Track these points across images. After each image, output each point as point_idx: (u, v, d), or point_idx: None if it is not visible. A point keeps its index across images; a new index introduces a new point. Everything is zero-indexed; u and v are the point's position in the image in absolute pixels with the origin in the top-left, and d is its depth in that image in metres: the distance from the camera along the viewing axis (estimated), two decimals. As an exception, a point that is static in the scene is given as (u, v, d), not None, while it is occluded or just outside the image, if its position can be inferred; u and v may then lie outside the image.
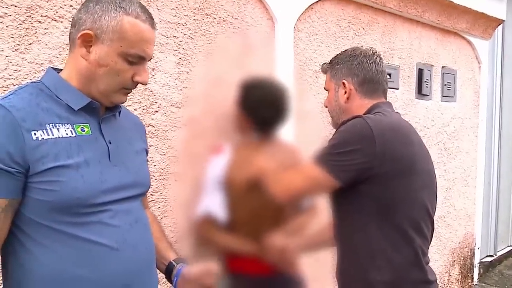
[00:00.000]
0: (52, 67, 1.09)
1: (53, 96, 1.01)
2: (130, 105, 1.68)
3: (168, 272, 1.22)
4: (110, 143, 1.05)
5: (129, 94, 1.09)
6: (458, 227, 3.71)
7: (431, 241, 1.44)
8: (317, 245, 1.80)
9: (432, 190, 1.42)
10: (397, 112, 1.51)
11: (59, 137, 0.97)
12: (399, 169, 1.29)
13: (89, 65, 1.01)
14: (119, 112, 1.13)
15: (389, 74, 2.87)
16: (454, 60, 3.51)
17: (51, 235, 0.96)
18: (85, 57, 1.00)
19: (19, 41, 1.45)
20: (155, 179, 1.76)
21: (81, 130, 1.01)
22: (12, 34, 1.44)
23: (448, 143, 3.49)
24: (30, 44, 1.47)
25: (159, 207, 1.77)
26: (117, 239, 1.01)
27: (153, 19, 1.05)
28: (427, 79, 3.19)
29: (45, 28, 1.50)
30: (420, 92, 3.14)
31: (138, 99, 1.71)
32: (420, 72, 3.14)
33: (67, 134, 0.98)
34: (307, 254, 1.82)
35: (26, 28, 1.47)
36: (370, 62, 1.48)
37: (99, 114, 1.06)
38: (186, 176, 1.85)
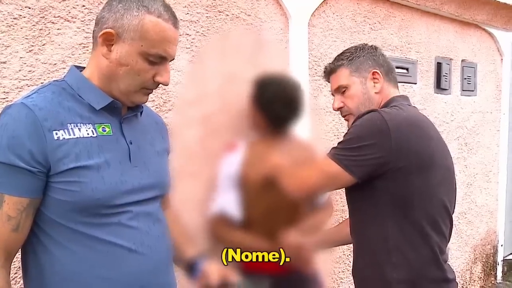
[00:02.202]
0: (75, 66, 1.09)
1: (75, 95, 1.01)
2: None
3: (188, 268, 1.21)
4: (131, 143, 1.05)
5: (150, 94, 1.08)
6: (479, 224, 3.63)
7: (449, 238, 1.40)
8: (333, 243, 1.78)
9: (450, 187, 1.38)
10: (414, 106, 1.48)
11: (80, 137, 0.97)
12: (416, 164, 1.26)
13: (110, 64, 1.00)
14: (141, 112, 1.12)
15: (407, 69, 2.84)
16: (474, 53, 3.42)
17: (71, 236, 0.97)
18: (106, 56, 1.00)
19: (33, 42, 1.46)
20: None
21: (102, 130, 1.01)
22: (26, 36, 1.45)
23: (469, 138, 3.42)
24: (43, 45, 1.48)
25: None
26: (135, 241, 1.01)
27: (176, 18, 1.04)
28: (446, 73, 3.12)
29: (58, 29, 1.51)
30: (439, 86, 3.08)
31: (152, 98, 1.71)
32: (439, 66, 3.07)
33: (88, 134, 0.98)
34: (323, 252, 1.80)
35: (40, 29, 1.48)
36: (384, 54, 1.49)
37: (120, 114, 1.05)
38: (201, 174, 1.84)
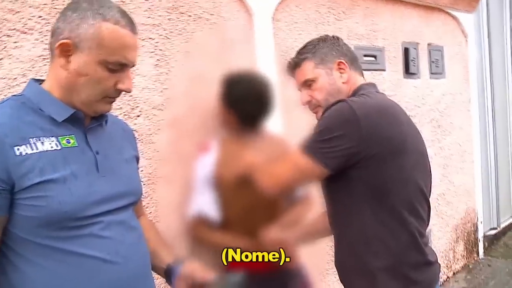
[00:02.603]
0: (34, 79, 1.06)
1: (35, 109, 0.99)
2: (111, 112, 1.65)
3: (167, 274, 1.20)
4: (97, 153, 1.03)
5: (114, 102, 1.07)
6: (458, 204, 3.70)
7: (428, 221, 1.42)
8: (314, 235, 1.79)
9: (425, 170, 1.39)
10: (382, 93, 1.49)
11: (43, 150, 0.94)
12: (388, 151, 1.27)
13: (69, 75, 0.98)
14: (106, 121, 1.10)
15: (375, 56, 2.86)
16: (439, 36, 3.48)
17: (41, 252, 0.94)
18: (65, 67, 0.98)
19: (-11, 58, 1.42)
20: (144, 184, 1.73)
21: (66, 142, 0.99)
22: (-19, 51, 1.41)
23: (441, 120, 3.47)
24: (0, 59, 1.44)
25: (150, 212, 1.74)
26: (109, 251, 0.99)
27: (134, 24, 1.02)
28: (414, 58, 3.16)
29: (14, 42, 1.47)
30: (408, 71, 3.12)
31: (119, 105, 1.69)
32: (406, 51, 3.11)
33: (52, 147, 0.96)
34: (305, 245, 1.80)
35: (-5, 44, 1.44)
36: (347, 44, 1.50)
37: (84, 124, 1.03)
38: (175, 178, 1.83)
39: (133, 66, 1.04)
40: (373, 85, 1.46)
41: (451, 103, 3.59)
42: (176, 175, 1.83)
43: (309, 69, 1.45)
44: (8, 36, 1.46)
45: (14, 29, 1.47)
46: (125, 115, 1.70)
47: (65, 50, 0.97)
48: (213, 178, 1.77)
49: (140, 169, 1.73)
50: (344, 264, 1.40)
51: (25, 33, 1.49)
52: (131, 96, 1.72)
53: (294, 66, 1.51)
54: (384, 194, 1.28)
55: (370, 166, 1.26)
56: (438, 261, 1.42)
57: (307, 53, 1.47)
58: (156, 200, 1.78)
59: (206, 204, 1.77)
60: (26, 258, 0.94)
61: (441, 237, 3.47)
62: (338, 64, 1.43)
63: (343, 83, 1.42)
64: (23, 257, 0.95)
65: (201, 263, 1.66)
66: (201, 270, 1.17)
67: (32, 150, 0.93)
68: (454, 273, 3.64)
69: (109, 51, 0.96)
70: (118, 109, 1.68)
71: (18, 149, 0.92)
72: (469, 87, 3.81)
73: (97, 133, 1.06)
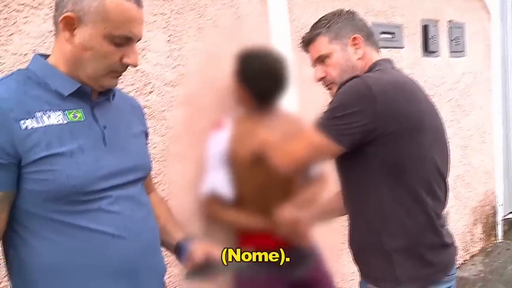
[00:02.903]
0: (39, 54, 1.05)
1: (41, 83, 0.98)
2: (122, 88, 1.63)
3: (177, 251, 1.20)
4: (105, 128, 1.02)
5: (120, 77, 1.05)
6: (477, 185, 3.62)
7: (446, 203, 1.38)
8: (329, 214, 1.76)
9: (442, 148, 1.35)
10: (398, 69, 1.44)
11: (50, 124, 0.94)
12: (406, 127, 1.23)
13: (74, 49, 0.97)
14: (114, 96, 1.09)
15: (393, 33, 2.78)
16: (461, 13, 3.36)
17: (49, 226, 0.94)
18: (69, 41, 0.96)
19: (-1, 33, 1.41)
20: (157, 161, 1.72)
21: (73, 116, 0.98)
22: (-9, 27, 1.39)
23: (461, 100, 3.38)
24: (10, 35, 1.43)
25: (163, 190, 1.73)
26: (118, 226, 0.99)
27: None
28: (434, 35, 3.07)
29: (24, 17, 1.45)
30: (427, 49, 3.03)
31: (131, 81, 1.67)
32: (426, 28, 3.01)
33: (58, 121, 0.95)
34: (320, 225, 1.77)
35: (5, 19, 1.42)
36: (363, 19, 1.46)
37: (91, 99, 1.02)
38: (188, 155, 1.81)
39: (139, 40, 1.01)
40: (389, 61, 1.41)
41: (472, 82, 3.49)
42: (189, 152, 1.81)
43: (323, 44, 1.40)
44: (18, 11, 1.44)
45: (24, 4, 1.45)
46: (137, 91, 1.68)
47: (69, 24, 0.95)
48: (227, 155, 1.75)
49: (153, 146, 1.72)
50: (359, 243, 1.37)
51: (35, 8, 1.47)
52: (143, 72, 1.70)
53: (308, 41, 1.46)
54: (401, 172, 1.24)
55: (387, 143, 1.22)
56: (455, 243, 1.38)
57: (321, 28, 1.42)
58: (169, 178, 1.77)
59: (219, 182, 1.75)
60: (35, 232, 0.94)
61: (459, 219, 3.41)
62: (353, 40, 1.38)
63: (358, 59, 1.38)
64: (31, 231, 0.94)
65: (213, 240, 1.65)
66: (210, 247, 1.16)
67: (38, 124, 0.92)
68: (471, 256, 3.59)
69: (114, 25, 0.94)
70: (130, 85, 1.67)
71: (24, 123, 0.91)
72: (490, 66, 3.69)
73: (104, 108, 1.05)
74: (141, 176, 1.09)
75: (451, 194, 3.41)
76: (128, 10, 0.95)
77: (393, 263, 1.26)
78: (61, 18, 0.95)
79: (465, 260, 3.51)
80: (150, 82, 1.72)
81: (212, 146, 1.78)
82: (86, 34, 0.94)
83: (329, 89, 1.46)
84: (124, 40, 0.97)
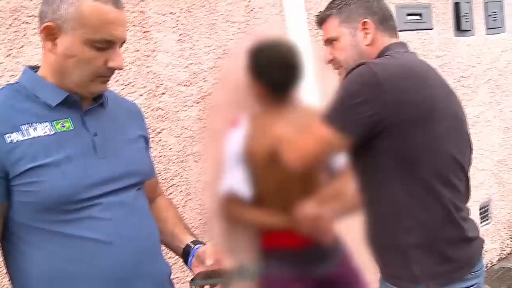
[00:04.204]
0: (29, 66, 1.06)
1: (30, 96, 0.99)
2: (134, 91, 1.64)
3: (185, 255, 1.18)
4: (95, 135, 1.02)
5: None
6: (523, 169, 3.41)
7: (468, 194, 1.28)
8: (351, 209, 1.69)
9: (460, 136, 1.25)
10: (412, 52, 1.34)
11: (36, 136, 0.94)
12: (415, 116, 1.14)
13: (58, 58, 0.97)
14: (107, 101, 1.08)
15: (420, 15, 2.64)
16: (498, -14, 3.15)
17: (42, 236, 0.95)
18: (52, 50, 0.96)
19: (10, 46, 1.44)
20: (173, 162, 1.72)
21: (61, 126, 0.98)
22: (2, 40, 1.43)
23: (501, 80, 3.17)
24: (21, 47, 1.46)
25: (181, 191, 1.73)
26: (110, 232, 0.98)
27: None
28: (467, 13, 2.89)
29: (33, 28, 1.48)
30: (459, 28, 2.85)
31: (142, 84, 1.67)
32: (457, 6, 2.84)
33: (45, 132, 0.95)
34: (345, 219, 1.71)
35: (15, 31, 1.45)
36: (381, 1, 1.35)
37: (81, 107, 1.02)
38: (206, 155, 1.79)
39: (123, 42, 1.00)
40: (401, 44, 1.32)
41: (512, 60, 3.27)
42: (206, 152, 1.80)
43: (332, 26, 1.34)
44: (27, 23, 1.47)
45: (32, 15, 1.48)
46: (149, 93, 1.68)
47: (50, 34, 0.95)
48: (244, 153, 1.71)
49: (169, 147, 1.72)
50: (375, 241, 1.31)
51: (43, 17, 1.49)
52: (154, 74, 1.69)
53: (320, 22, 1.41)
54: (414, 164, 1.17)
55: (397, 135, 1.15)
56: (481, 237, 1.29)
57: (333, 9, 1.35)
58: (187, 178, 1.76)
59: (237, 181, 1.72)
60: (29, 242, 0.96)
61: (503, 206, 3.22)
62: (363, 24, 1.29)
63: (366, 45, 1.29)
64: (26, 241, 0.96)
65: (236, 241, 1.63)
66: (220, 253, 1.13)
67: (24, 136, 0.93)
68: (519, 245, 3.39)
69: (92, 29, 0.93)
70: (142, 87, 1.67)
71: (9, 136, 0.92)
72: (534, 41, 3.44)
73: (97, 114, 1.04)
74: (136, 182, 1.07)
75: (493, 180, 3.22)
76: (105, 13, 0.94)
77: (409, 260, 1.19)
78: (41, 28, 0.95)
79: (511, 250, 3.32)
80: (162, 83, 1.71)
81: (228, 145, 1.75)
82: (67, 41, 0.94)
83: (339, 73, 1.40)
84: (105, 44, 0.95)
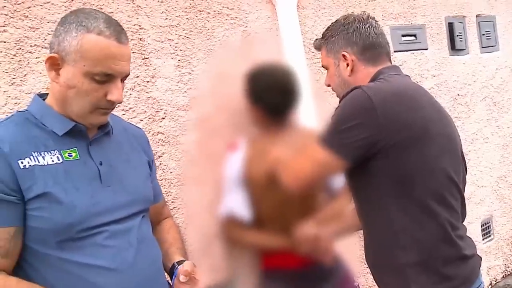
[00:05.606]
0: (38, 94, 1.09)
1: (38, 124, 1.02)
2: (135, 116, 1.67)
3: (171, 275, 1.19)
4: (101, 164, 1.04)
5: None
6: (523, 185, 3.41)
7: (463, 212, 1.30)
8: (350, 229, 1.70)
9: (454, 155, 1.28)
10: (405, 75, 1.38)
11: (45, 164, 0.97)
12: (410, 138, 1.17)
13: (60, 88, 1.01)
14: (112, 130, 1.11)
15: (414, 35, 2.69)
16: (490, 5, 3.21)
17: (47, 261, 0.97)
18: (56, 80, 1.00)
19: (14, 75, 1.48)
20: (174, 185, 1.74)
21: (68, 155, 1.01)
22: (6, 69, 1.47)
23: (497, 97, 3.21)
24: (24, 75, 1.50)
25: (182, 213, 1.75)
26: (114, 259, 1.00)
27: (121, 33, 1.01)
28: (460, 32, 2.94)
29: (36, 57, 1.52)
30: (454, 48, 2.90)
31: (143, 109, 1.70)
32: (451, 26, 2.90)
33: (53, 161, 0.99)
34: (346, 238, 1.73)
35: (19, 61, 1.49)
36: (367, 26, 1.37)
37: (87, 136, 1.05)
38: (205, 178, 1.81)
39: (126, 76, 1.04)
40: (394, 67, 1.36)
41: (508, 77, 3.31)
42: (206, 176, 1.82)
43: (323, 55, 1.41)
44: (30, 52, 1.51)
45: (35, 45, 1.52)
46: (149, 118, 1.72)
47: (54, 64, 0.99)
48: (243, 176, 1.74)
49: (169, 171, 1.75)
50: (373, 261, 1.33)
51: (46, 48, 1.54)
52: (154, 99, 1.73)
53: (317, 49, 1.47)
54: (409, 185, 1.19)
55: (391, 156, 1.17)
56: (477, 254, 1.30)
57: (323, 38, 1.41)
58: (187, 202, 1.78)
59: (236, 203, 1.74)
60: (35, 267, 0.97)
61: (506, 223, 3.22)
62: (343, 56, 1.34)
63: (348, 75, 1.34)
64: (32, 266, 0.98)
65: (236, 263, 1.63)
66: (192, 270, 1.11)
67: (35, 162, 0.96)
68: (522, 261, 3.37)
69: (92, 63, 0.97)
70: (142, 113, 1.70)
71: (22, 162, 0.95)
72: (528, 58, 3.49)
73: (102, 144, 1.07)
74: (140, 209, 1.10)
75: (493, 196, 3.21)
76: (106, 47, 0.97)
77: (407, 279, 1.20)
78: (46, 59, 0.99)
79: (515, 266, 3.30)
80: (162, 109, 1.75)
81: (228, 168, 1.78)
82: (69, 73, 0.98)
83: (337, 96, 1.44)
84: (105, 77, 0.98)
